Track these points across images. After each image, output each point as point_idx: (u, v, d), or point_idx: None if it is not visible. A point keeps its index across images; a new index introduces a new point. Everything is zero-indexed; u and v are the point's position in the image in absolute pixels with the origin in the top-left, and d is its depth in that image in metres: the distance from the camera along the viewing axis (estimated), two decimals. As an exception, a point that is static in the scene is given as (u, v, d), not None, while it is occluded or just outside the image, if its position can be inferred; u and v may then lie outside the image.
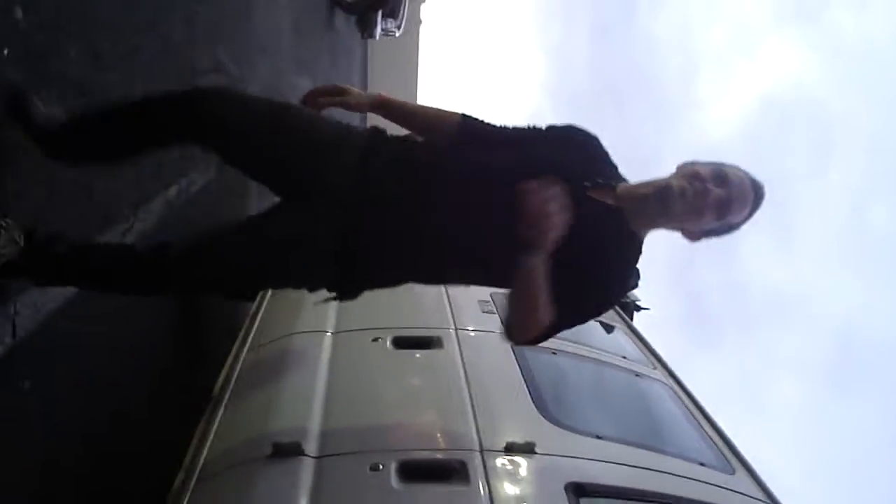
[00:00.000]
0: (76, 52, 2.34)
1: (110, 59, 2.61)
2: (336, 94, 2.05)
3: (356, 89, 2.11)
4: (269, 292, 3.40)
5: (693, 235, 2.02)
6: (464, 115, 2.08)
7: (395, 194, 1.87)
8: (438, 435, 2.28)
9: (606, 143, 2.07)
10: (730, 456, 2.82)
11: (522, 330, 1.88)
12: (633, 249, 2.00)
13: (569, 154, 1.99)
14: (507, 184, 1.67)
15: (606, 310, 2.23)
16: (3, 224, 1.76)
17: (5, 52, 1.92)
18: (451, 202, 1.87)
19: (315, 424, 2.20)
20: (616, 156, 2.07)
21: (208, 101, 1.91)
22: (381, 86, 21.50)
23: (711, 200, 1.89)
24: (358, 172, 1.87)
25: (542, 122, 2.10)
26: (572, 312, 1.91)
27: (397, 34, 14.75)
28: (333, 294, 2.01)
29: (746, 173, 1.98)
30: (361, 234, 1.86)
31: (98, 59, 2.51)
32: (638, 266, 2.06)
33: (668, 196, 1.91)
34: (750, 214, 2.00)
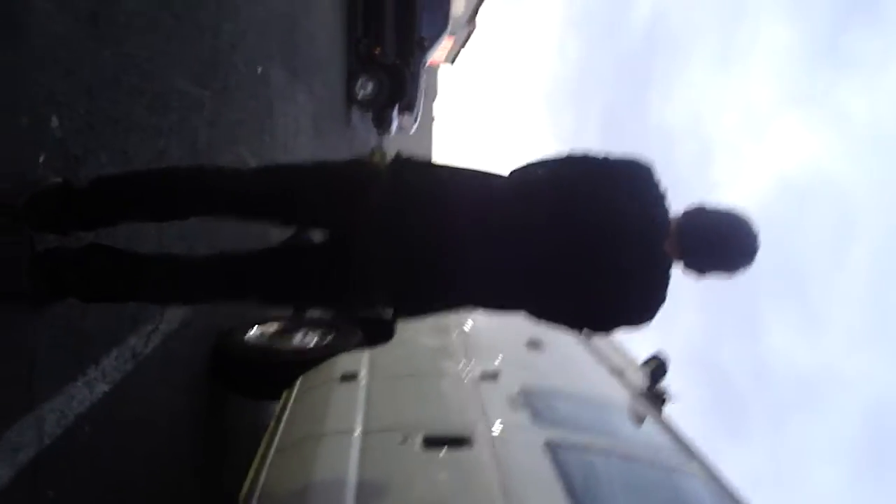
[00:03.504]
0: (107, 156, 2.37)
1: (139, 161, 2.65)
2: None
3: None
4: (294, 391, 3.34)
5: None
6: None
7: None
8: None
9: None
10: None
11: None
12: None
13: None
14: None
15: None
16: None
17: (41, 158, 1.94)
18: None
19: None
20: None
21: None
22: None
23: None
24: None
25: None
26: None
27: (412, 130, 15.00)
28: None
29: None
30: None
31: (128, 162, 2.55)
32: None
33: None
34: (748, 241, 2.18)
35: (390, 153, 2.13)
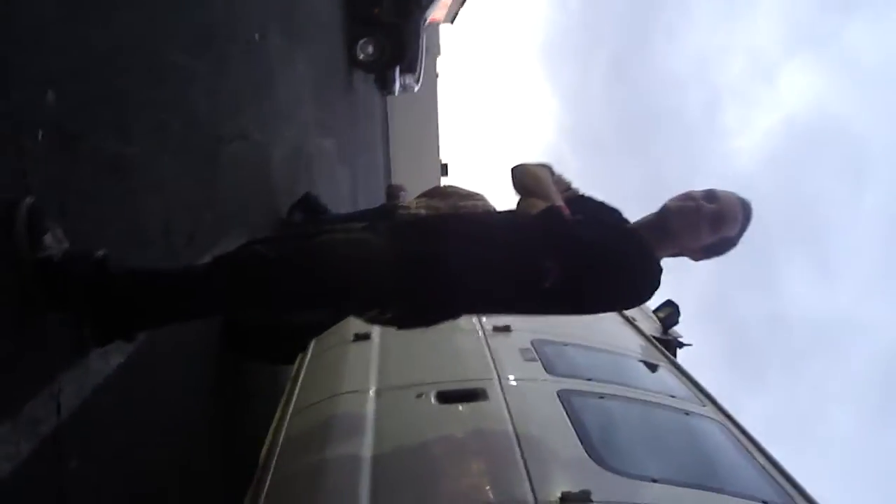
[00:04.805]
0: (106, 131, 2.37)
1: (139, 135, 2.65)
2: None
3: None
4: (309, 354, 3.38)
5: (695, 254, 2.29)
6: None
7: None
8: (491, 491, 2.22)
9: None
10: (791, 491, 2.71)
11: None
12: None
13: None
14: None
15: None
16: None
17: (40, 135, 1.95)
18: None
19: (365, 491, 2.16)
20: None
21: None
22: (403, 140, 21.73)
23: (705, 213, 2.19)
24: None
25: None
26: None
27: (416, 89, 14.89)
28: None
29: (734, 192, 2.27)
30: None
31: (127, 137, 2.55)
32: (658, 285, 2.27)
33: (667, 216, 2.22)
34: (742, 229, 2.27)
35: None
